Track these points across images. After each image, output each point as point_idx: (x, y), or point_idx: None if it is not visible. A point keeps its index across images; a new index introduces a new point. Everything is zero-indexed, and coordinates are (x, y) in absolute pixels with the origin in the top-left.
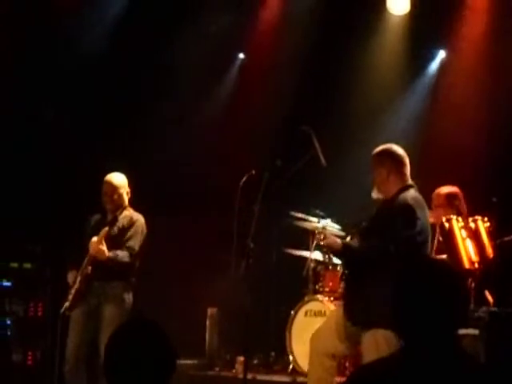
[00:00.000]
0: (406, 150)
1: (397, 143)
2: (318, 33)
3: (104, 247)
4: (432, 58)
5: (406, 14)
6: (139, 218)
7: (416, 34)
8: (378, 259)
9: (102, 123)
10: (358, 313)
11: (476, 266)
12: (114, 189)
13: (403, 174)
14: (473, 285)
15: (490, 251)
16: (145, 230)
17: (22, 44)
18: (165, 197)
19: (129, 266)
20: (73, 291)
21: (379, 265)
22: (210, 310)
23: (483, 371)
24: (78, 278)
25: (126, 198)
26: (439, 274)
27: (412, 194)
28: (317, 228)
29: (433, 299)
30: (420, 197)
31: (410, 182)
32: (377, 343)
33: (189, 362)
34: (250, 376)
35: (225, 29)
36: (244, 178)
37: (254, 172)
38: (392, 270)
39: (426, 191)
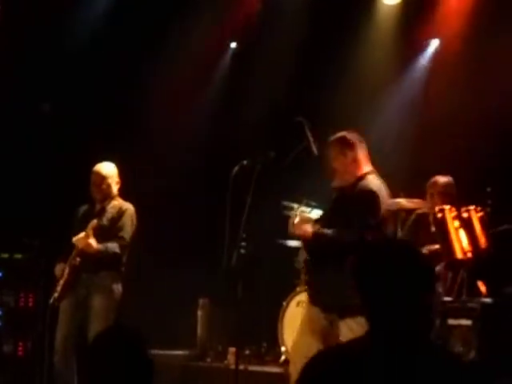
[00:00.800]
0: (400, 138)
1: (390, 132)
2: (309, 22)
3: (92, 240)
4: (425, 47)
5: (398, 3)
6: (129, 208)
7: (408, 23)
8: (347, 247)
9: (99, 117)
10: (331, 300)
11: (469, 256)
12: (103, 178)
13: (362, 161)
14: (465, 275)
15: (482, 241)
16: (135, 220)
17: (20, 41)
18: (156, 188)
19: (119, 256)
20: (61, 282)
21: (348, 252)
22: (202, 301)
23: (450, 360)
24: (66, 270)
25: (114, 188)
26: (401, 256)
27: (373, 180)
28: (291, 216)
29: (394, 282)
30: (380, 182)
31: (369, 167)
32: (353, 332)
33: (180, 352)
34: (241, 367)
35: (217, 18)
36: (236, 169)
37: (245, 162)
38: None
39: (420, 180)
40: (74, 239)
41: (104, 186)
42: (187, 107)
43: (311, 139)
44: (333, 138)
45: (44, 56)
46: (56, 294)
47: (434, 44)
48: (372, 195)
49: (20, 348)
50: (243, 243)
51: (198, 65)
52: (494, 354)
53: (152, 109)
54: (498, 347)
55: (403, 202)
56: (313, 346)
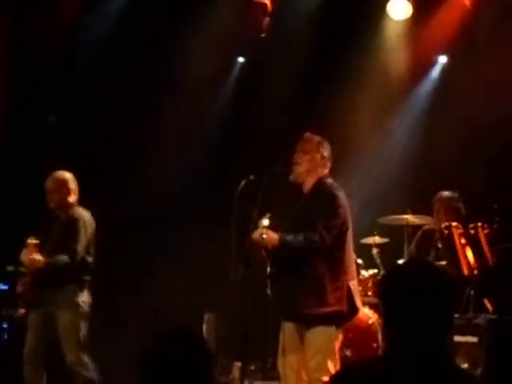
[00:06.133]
0: (408, 155)
1: (398, 146)
2: (317, 38)
3: (36, 255)
4: (433, 63)
5: (406, 20)
6: (81, 216)
7: (416, 40)
8: (311, 251)
9: (104, 128)
10: (297, 310)
11: (475, 272)
12: (55, 187)
13: (327, 167)
14: (472, 292)
15: (489, 258)
16: (89, 227)
17: (31, 55)
18: (164, 202)
19: (73, 266)
20: (25, 299)
21: (312, 256)
22: (207, 315)
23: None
24: (21, 288)
25: (69, 197)
26: (426, 274)
27: (331, 182)
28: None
29: (418, 300)
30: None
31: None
32: (317, 341)
33: None
34: (246, 382)
35: (225, 32)
36: (242, 184)
37: (252, 177)
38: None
39: (428, 197)
40: (20, 257)
41: (56, 195)
42: (194, 121)
43: None
44: (311, 136)
45: (52, 69)
46: (22, 310)
47: (442, 60)
48: (332, 197)
49: None
50: (249, 257)
51: (206, 79)
52: (500, 371)
53: (159, 121)
54: (505, 364)
55: (410, 217)
56: (295, 362)
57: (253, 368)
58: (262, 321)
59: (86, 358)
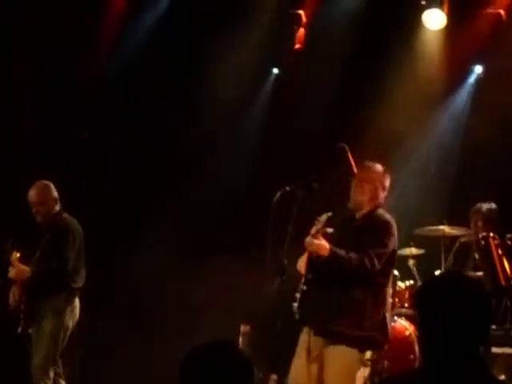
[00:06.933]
0: (444, 166)
1: (434, 157)
2: (352, 48)
3: (21, 266)
4: (469, 73)
5: (442, 29)
6: (70, 224)
7: (452, 49)
8: (358, 273)
9: (142, 143)
10: (322, 322)
11: None
12: (39, 200)
13: (383, 196)
14: (509, 302)
15: None
16: (77, 234)
17: (62, 68)
18: (203, 215)
19: (64, 274)
20: (21, 315)
21: (356, 278)
22: (243, 327)
23: None
24: (15, 303)
25: (53, 207)
26: (461, 286)
27: (384, 211)
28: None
29: (454, 311)
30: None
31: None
32: (336, 361)
33: None
34: None
35: (260, 43)
36: (277, 195)
37: (288, 189)
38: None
39: (464, 208)
40: (9, 275)
41: (42, 207)
42: (229, 131)
43: (353, 166)
44: (373, 165)
45: (84, 84)
46: (21, 324)
47: (478, 70)
48: (388, 226)
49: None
50: (285, 269)
51: (241, 89)
52: None
53: (193, 134)
54: None
55: (447, 229)
56: (306, 370)
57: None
58: (298, 332)
59: (51, 373)
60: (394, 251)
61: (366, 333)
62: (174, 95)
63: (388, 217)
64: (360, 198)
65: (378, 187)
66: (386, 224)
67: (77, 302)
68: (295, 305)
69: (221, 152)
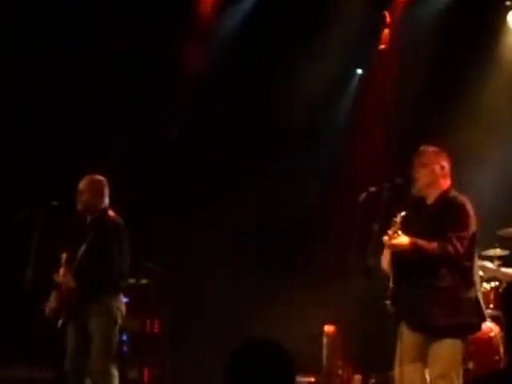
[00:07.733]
0: None
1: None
2: (437, 49)
3: (69, 277)
4: None
5: None
6: (114, 224)
7: None
8: (443, 260)
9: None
10: (425, 318)
11: None
12: (80, 189)
13: (448, 177)
14: None
15: None
16: (123, 233)
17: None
18: (291, 213)
19: (111, 277)
20: (63, 309)
21: (442, 266)
22: (327, 328)
23: None
24: (59, 300)
25: (96, 200)
26: None
27: (457, 193)
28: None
29: None
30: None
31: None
32: (443, 354)
33: (305, 379)
34: None
35: (344, 43)
36: (363, 196)
37: (373, 189)
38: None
39: None
40: (56, 278)
41: (80, 196)
42: (313, 131)
43: None
44: (429, 148)
45: (172, 82)
46: (62, 319)
47: None
48: (465, 208)
49: (145, 374)
50: (370, 269)
51: (325, 91)
52: None
53: (276, 135)
54: None
55: None
56: (417, 372)
57: (373, 381)
58: (383, 333)
59: (113, 369)
60: (475, 232)
61: (462, 319)
62: (258, 95)
63: (463, 198)
64: (419, 184)
65: (434, 169)
66: (462, 206)
67: (122, 300)
68: (388, 302)
69: (303, 151)
